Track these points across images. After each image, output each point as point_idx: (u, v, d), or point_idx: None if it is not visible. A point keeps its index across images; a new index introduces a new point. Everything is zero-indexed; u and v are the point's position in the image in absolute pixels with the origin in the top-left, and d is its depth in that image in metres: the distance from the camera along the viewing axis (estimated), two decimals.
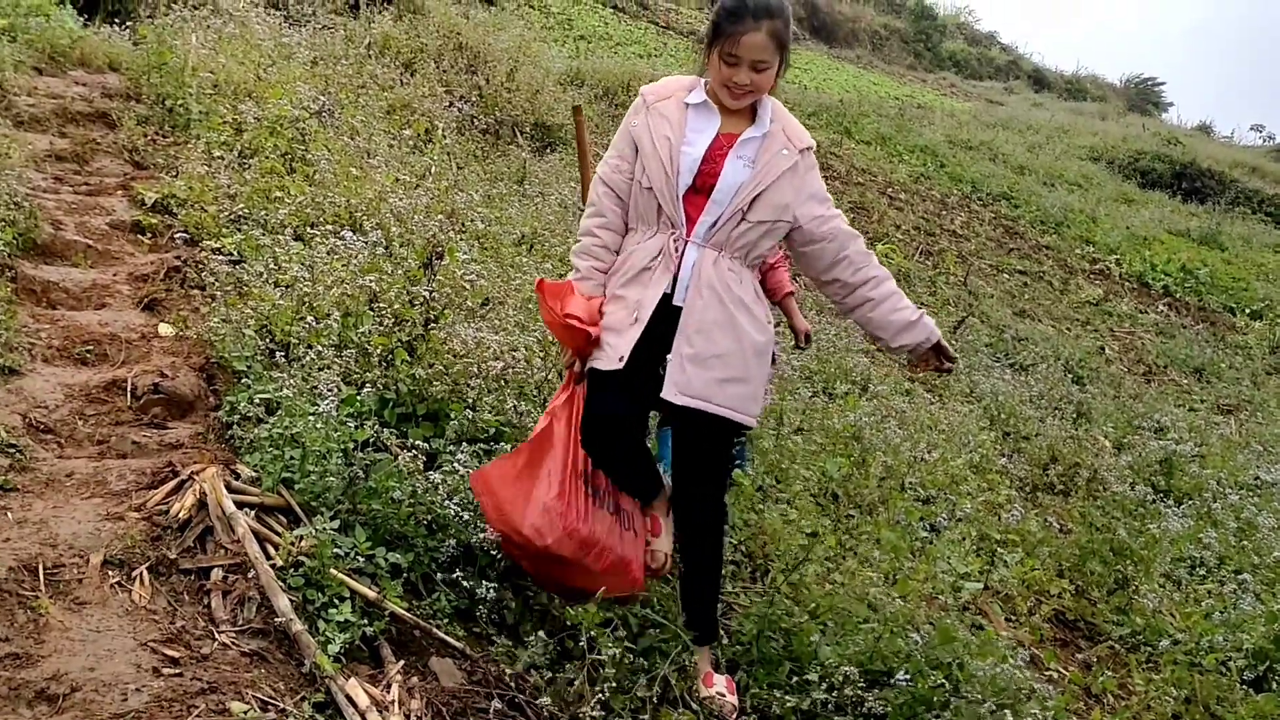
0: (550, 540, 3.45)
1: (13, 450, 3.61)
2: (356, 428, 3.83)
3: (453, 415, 4.24)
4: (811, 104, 20.67)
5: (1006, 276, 14.98)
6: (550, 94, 12.80)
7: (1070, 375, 11.00)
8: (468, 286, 5.14)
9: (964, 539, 5.52)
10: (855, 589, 4.29)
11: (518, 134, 11.74)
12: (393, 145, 8.12)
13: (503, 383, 4.57)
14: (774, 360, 4.55)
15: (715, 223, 3.40)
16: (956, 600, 4.71)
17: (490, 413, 4.39)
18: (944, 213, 17.07)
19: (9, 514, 3.28)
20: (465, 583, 3.51)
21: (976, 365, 10.03)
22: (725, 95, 3.38)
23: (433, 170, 7.90)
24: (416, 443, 3.89)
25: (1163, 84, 45.61)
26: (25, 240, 5.24)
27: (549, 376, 4.76)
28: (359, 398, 4.09)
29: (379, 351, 4.43)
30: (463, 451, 3.93)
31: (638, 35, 22.71)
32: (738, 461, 4.73)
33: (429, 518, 3.65)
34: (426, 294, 4.75)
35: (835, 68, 29.71)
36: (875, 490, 5.68)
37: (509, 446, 4.18)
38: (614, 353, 3.41)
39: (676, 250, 3.42)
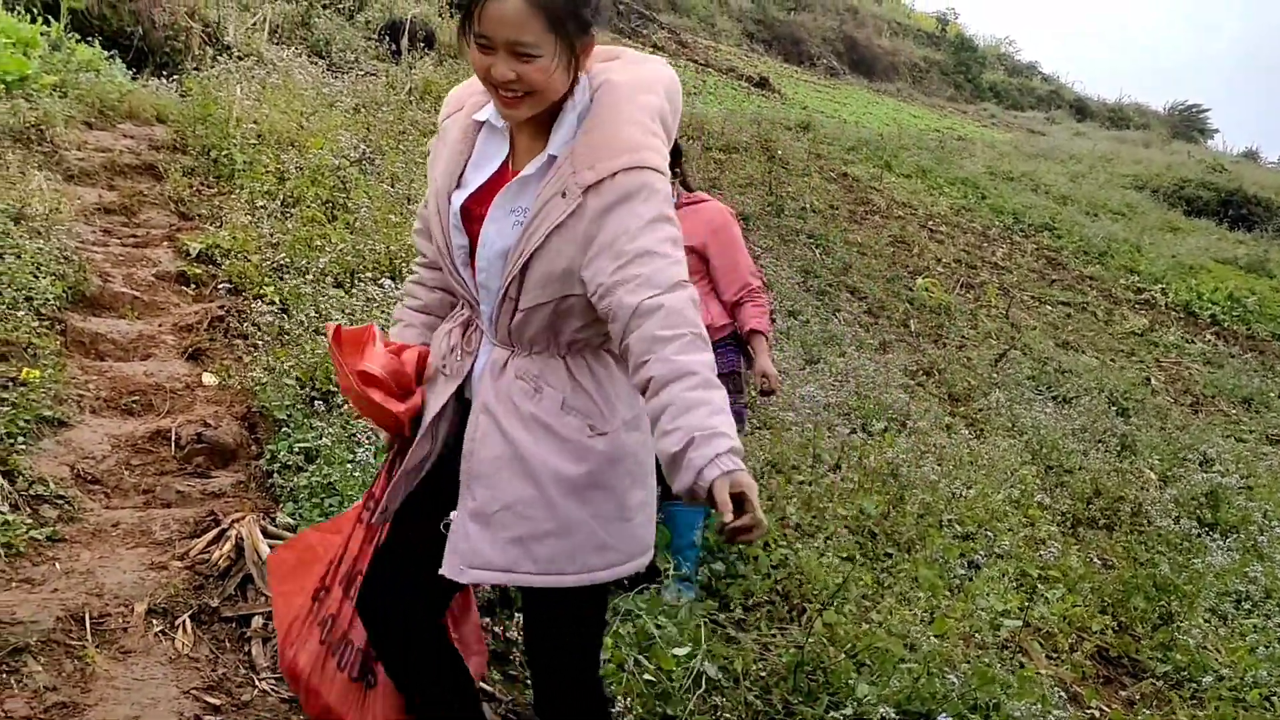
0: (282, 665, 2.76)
1: (61, 501, 3.71)
2: None
3: None
4: (851, 138, 20.70)
5: (1049, 308, 14.91)
6: None
7: (1115, 407, 10.93)
8: None
9: (1003, 575, 5.51)
10: (893, 628, 4.29)
11: None
12: None
13: None
14: (748, 364, 4.59)
15: (492, 310, 2.36)
16: (996, 638, 4.71)
17: None
18: (985, 245, 17.03)
19: (57, 564, 3.37)
20: (497, 626, 3.56)
21: (1018, 398, 9.99)
22: (496, 102, 2.27)
23: None
24: None
25: (1207, 110, 45.31)
26: (75, 293, 5.37)
27: None
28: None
29: None
30: None
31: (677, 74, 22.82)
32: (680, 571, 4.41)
33: None
34: None
35: (875, 101, 29.74)
36: (913, 527, 5.68)
37: None
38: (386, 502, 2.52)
39: (470, 347, 2.45)
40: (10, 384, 4.19)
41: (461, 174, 2.38)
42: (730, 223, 4.53)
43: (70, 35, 9.31)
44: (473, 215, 2.34)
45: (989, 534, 6.09)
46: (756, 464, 5.82)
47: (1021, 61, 43.67)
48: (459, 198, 2.36)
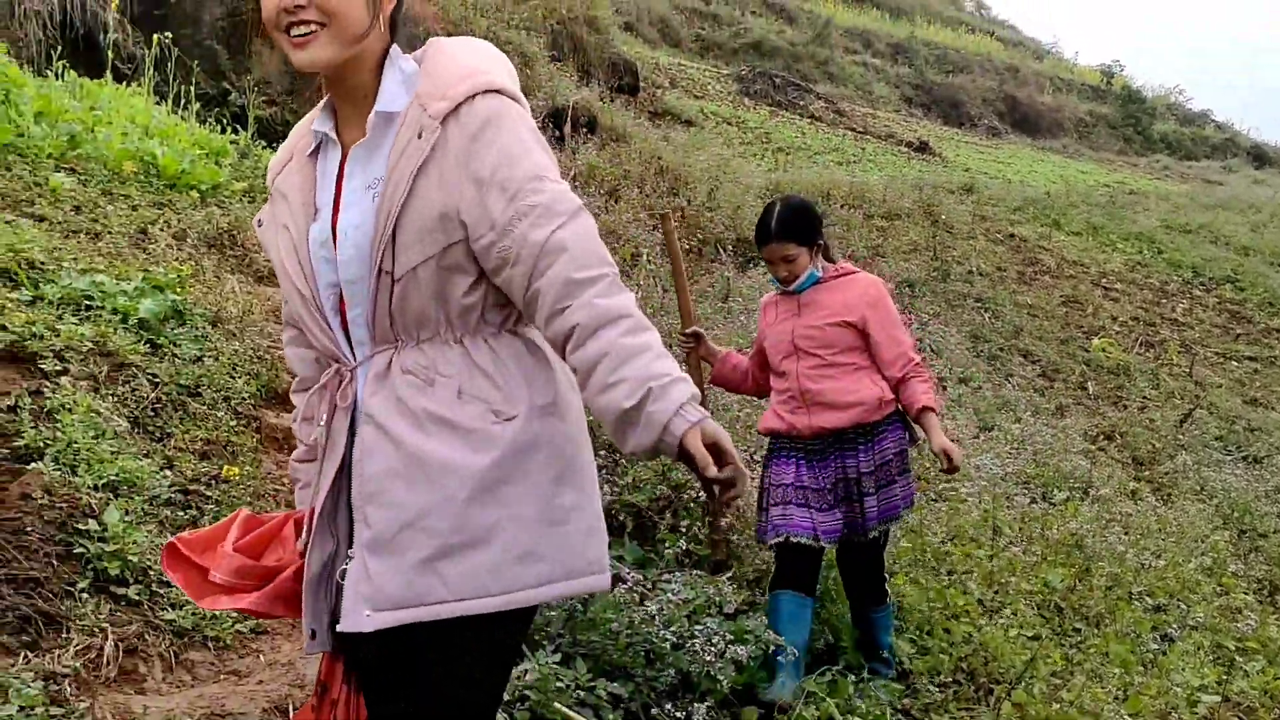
0: None
1: None
2: None
3: (666, 543, 4.37)
4: (1016, 198, 20.37)
5: (1235, 364, 14.35)
6: (751, 209, 13.03)
7: None
8: None
9: (1199, 648, 5.32)
10: (1085, 706, 4.18)
11: (721, 251, 11.99)
12: None
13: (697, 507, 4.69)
14: (913, 440, 4.41)
15: (362, 312, 2.02)
16: (1194, 715, 4.54)
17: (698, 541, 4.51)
18: (1163, 301, 16.51)
19: (260, 656, 3.54)
20: (679, 713, 3.59)
21: (1206, 460, 9.64)
22: (287, 48, 1.99)
23: (639, 294, 8.16)
24: (631, 573, 4.01)
25: None
26: (267, 390, 5.64)
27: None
28: None
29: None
30: (676, 580, 4.03)
31: (835, 143, 22.88)
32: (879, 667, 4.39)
33: (647, 648, 3.75)
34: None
35: (1040, 159, 29.24)
36: (1101, 601, 5.53)
37: (727, 577, 4.29)
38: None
39: (345, 400, 2.07)
40: (213, 481, 4.42)
41: (316, 208, 2.08)
42: (886, 295, 4.42)
43: (257, 143, 9.84)
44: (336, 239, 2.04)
45: (1181, 605, 5.88)
46: (934, 538, 5.75)
47: (1193, 110, 42.41)
48: (319, 226, 2.05)
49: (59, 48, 10.59)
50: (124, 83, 9.44)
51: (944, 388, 9.76)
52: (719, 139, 17.27)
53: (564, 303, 1.88)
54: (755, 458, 5.17)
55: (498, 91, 1.98)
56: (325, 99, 2.12)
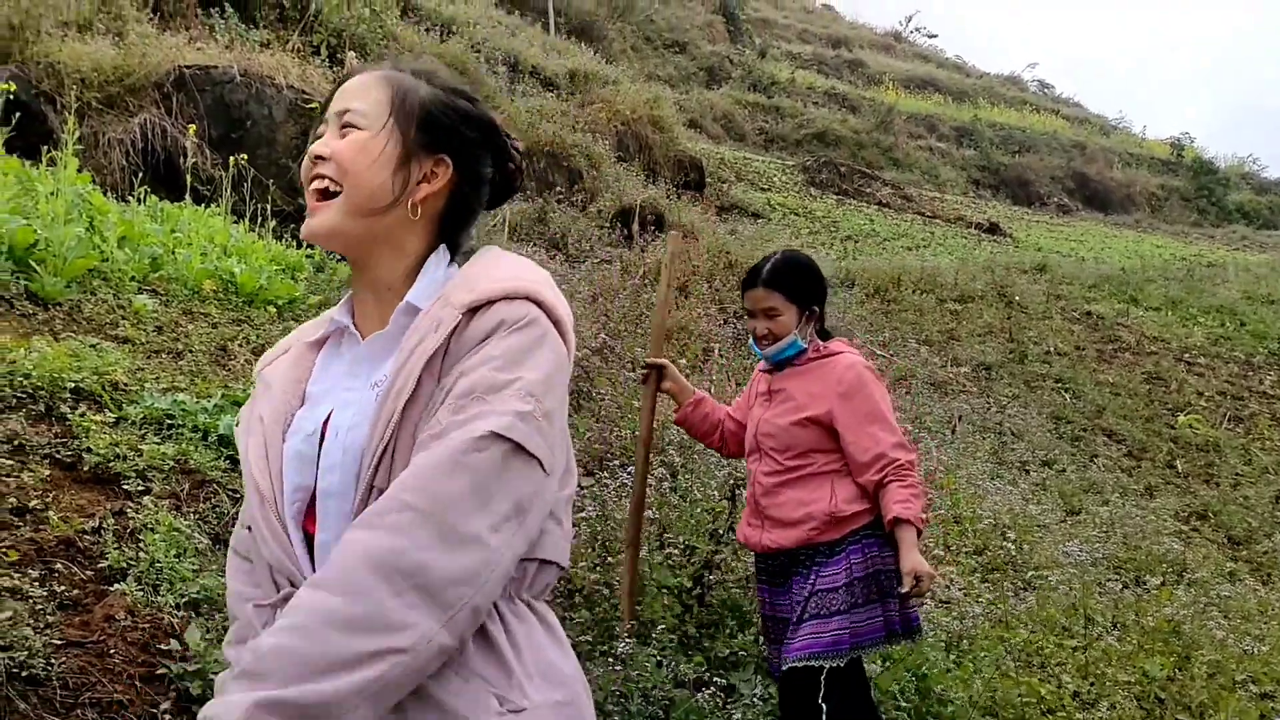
0: None
1: None
2: (656, 666, 3.92)
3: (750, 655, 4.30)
4: (1091, 275, 20.16)
5: None
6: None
7: None
8: None
9: None
10: None
11: None
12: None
13: None
14: (914, 628, 3.61)
15: (335, 537, 1.60)
16: None
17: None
18: (1250, 374, 16.14)
19: None
20: None
21: None
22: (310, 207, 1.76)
23: (710, 389, 8.13)
24: (714, 679, 3.94)
25: None
26: None
27: None
28: (654, 637, 4.20)
29: (673, 589, 4.54)
30: (760, 684, 3.96)
31: (904, 228, 22.87)
32: None
33: None
34: (724, 529, 4.86)
35: (1112, 235, 28.98)
36: (1204, 690, 5.33)
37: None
38: None
39: None
40: None
41: (305, 396, 1.79)
42: (867, 381, 3.64)
43: (331, 255, 10.04)
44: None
45: None
46: (1024, 630, 5.60)
47: (1269, 178, 41.88)
48: (306, 417, 1.74)
49: (140, 173, 10.95)
50: (203, 204, 9.71)
51: (1027, 471, 9.58)
52: (787, 230, 17.34)
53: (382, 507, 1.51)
54: None
55: (537, 302, 1.67)
56: (346, 295, 1.88)
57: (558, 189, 14.62)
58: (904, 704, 4.32)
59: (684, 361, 8.75)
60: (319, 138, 1.73)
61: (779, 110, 30.27)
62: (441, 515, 1.47)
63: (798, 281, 3.73)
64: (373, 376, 1.69)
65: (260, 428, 1.73)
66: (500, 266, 1.73)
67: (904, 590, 3.44)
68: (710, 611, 4.52)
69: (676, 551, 4.74)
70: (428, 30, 17.25)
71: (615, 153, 16.24)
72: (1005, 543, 6.77)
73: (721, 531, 4.85)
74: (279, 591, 1.67)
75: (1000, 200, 30.85)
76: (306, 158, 1.71)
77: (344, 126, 1.70)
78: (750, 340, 3.86)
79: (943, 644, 4.89)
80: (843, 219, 22.23)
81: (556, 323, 1.69)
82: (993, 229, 24.44)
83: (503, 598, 1.63)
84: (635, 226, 13.98)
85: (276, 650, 1.41)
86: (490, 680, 1.58)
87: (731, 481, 5.26)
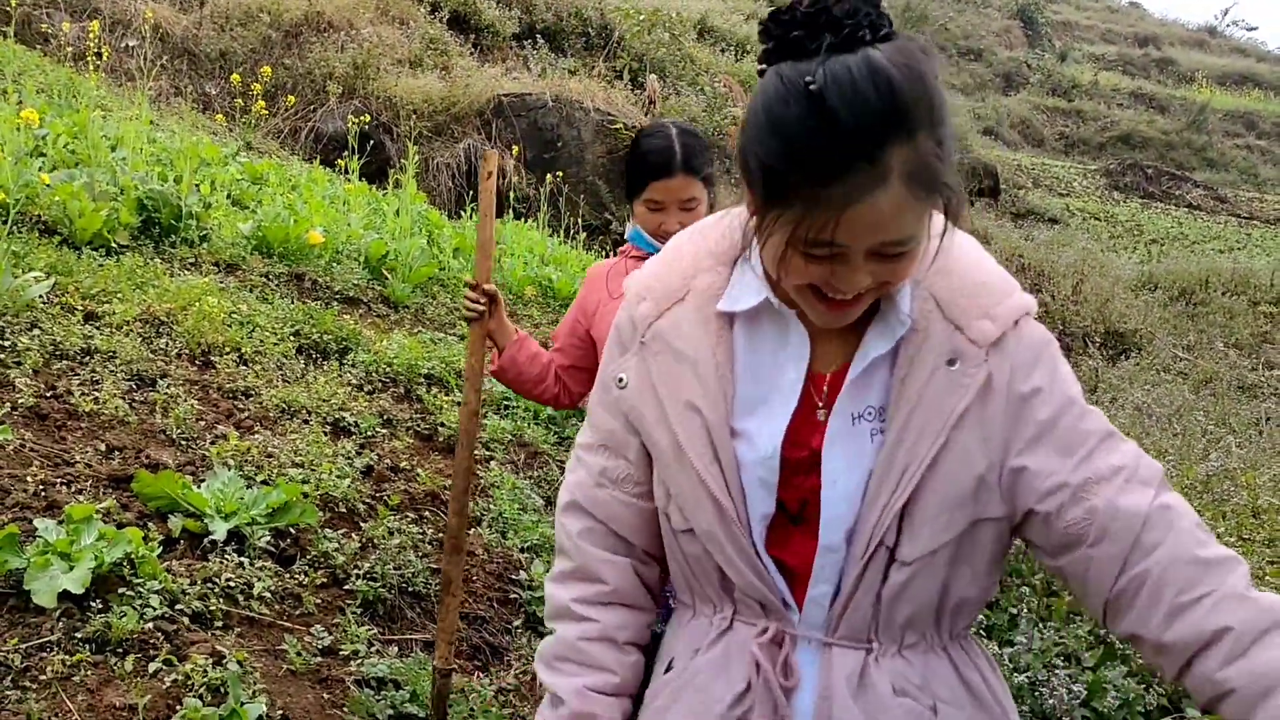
0: None
1: None
2: None
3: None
4: None
5: None
6: (1121, 300, 12.91)
7: None
8: None
9: None
10: None
11: (1088, 344, 11.94)
12: None
13: None
14: None
15: (840, 588, 1.43)
16: None
17: None
18: None
19: None
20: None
21: None
22: (809, 308, 1.39)
23: None
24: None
25: None
26: None
27: None
28: None
29: None
30: (1029, 631, 4.26)
31: (1216, 231, 21.97)
32: None
33: None
34: None
35: None
36: None
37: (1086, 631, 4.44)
38: None
39: (789, 678, 1.45)
40: None
41: (733, 395, 1.47)
42: None
43: None
44: (784, 459, 1.44)
45: None
46: None
47: None
48: (754, 432, 1.45)
49: (467, 193, 12.13)
50: (522, 219, 10.72)
51: None
52: (1085, 234, 17.09)
53: (1197, 591, 1.30)
54: None
55: (1032, 314, 1.47)
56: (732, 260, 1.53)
57: None
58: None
59: None
60: (820, 261, 1.31)
61: (1080, 114, 29.58)
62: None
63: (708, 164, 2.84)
64: (852, 403, 1.43)
65: (701, 424, 1.46)
66: (982, 265, 1.49)
67: None
68: None
69: None
70: (723, 51, 17.98)
71: None
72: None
73: None
74: (754, 624, 1.49)
75: None
76: (833, 286, 1.33)
77: (889, 257, 1.31)
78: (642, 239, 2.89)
79: None
80: (1148, 222, 21.59)
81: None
82: None
83: (964, 638, 1.55)
84: None
85: None
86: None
87: None
